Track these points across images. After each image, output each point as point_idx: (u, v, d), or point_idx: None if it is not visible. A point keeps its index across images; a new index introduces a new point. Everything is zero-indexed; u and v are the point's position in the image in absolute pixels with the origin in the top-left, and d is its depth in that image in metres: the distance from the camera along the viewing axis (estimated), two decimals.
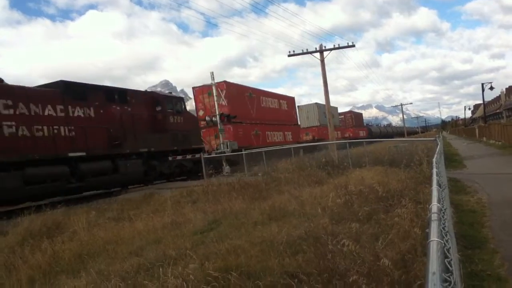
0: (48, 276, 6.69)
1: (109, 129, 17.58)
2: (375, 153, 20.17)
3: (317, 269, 4.91)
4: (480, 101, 61.64)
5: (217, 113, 24.10)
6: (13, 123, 14.03)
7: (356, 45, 28.09)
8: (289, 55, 27.33)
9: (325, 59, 26.69)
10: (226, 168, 22.54)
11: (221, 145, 23.59)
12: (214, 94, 24.44)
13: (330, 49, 26.77)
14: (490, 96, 78.45)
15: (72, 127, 16.02)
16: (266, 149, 23.46)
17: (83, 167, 16.17)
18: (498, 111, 71.11)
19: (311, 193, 10.68)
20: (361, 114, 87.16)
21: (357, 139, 47.17)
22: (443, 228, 1.89)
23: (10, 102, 14.05)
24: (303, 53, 26.96)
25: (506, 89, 74.54)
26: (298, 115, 44.05)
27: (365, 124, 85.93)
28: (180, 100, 23.14)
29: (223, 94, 27.42)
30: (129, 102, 19.25)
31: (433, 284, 1.39)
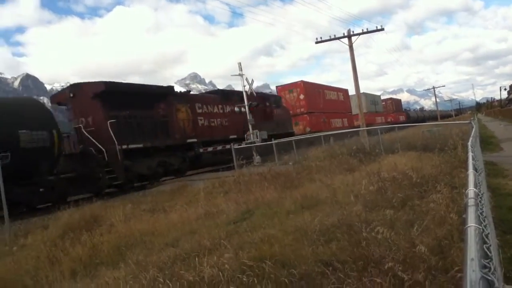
0: (88, 268, 6.92)
1: (234, 123, 25.00)
2: (408, 138, 19.80)
3: (351, 257, 4.89)
4: None
5: (245, 103, 24.11)
6: (202, 118, 22.46)
7: (385, 29, 27.53)
8: (317, 42, 27.04)
9: (353, 44, 26.28)
10: (257, 158, 22.59)
11: (251, 135, 23.63)
12: (243, 84, 24.47)
13: (359, 34, 26.34)
14: None
15: (227, 119, 24.43)
16: (296, 138, 23.46)
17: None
18: None
19: (343, 181, 10.60)
20: (400, 100, 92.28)
21: (398, 123, 53.66)
22: (481, 213, 1.86)
23: (200, 105, 22.53)
24: (330, 39, 26.61)
25: None
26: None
27: (403, 109, 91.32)
28: (279, 98, 31.48)
29: (299, 91, 35.87)
30: (232, 102, 25.56)
31: (472, 270, 1.37)
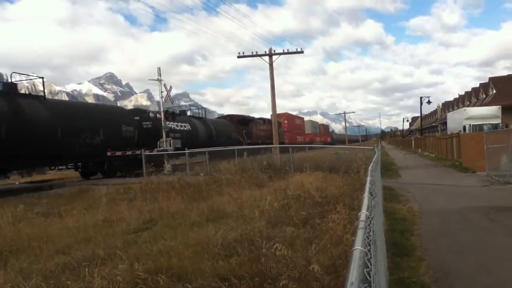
0: None
1: (266, 134, 42.91)
2: (316, 158, 20.53)
3: (249, 273, 4.87)
4: (418, 114, 64.78)
5: (161, 109, 23.60)
6: (258, 131, 44.90)
7: (305, 52, 28.70)
8: (239, 57, 27.33)
9: (274, 63, 26.92)
10: (168, 167, 22.11)
11: (164, 142, 23.10)
12: (161, 90, 23.93)
13: (279, 54, 27.05)
14: (427, 109, 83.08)
15: (264, 132, 44.38)
16: (210, 149, 23.34)
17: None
18: (434, 124, 74.81)
19: (251, 196, 10.68)
20: (328, 126, 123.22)
21: (326, 142, 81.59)
22: (367, 237, 1.89)
23: (257, 125, 46.02)
24: (252, 55, 27.03)
25: (443, 104, 78.81)
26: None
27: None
28: (280, 122, 49.51)
29: (284, 118, 58.28)
30: (266, 123, 46.21)
31: None
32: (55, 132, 17.66)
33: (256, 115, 58.96)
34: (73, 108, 21.90)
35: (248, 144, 34.90)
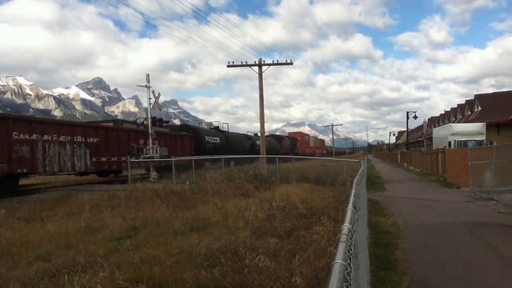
0: None
1: (289, 147, 66.83)
2: (303, 169, 20.56)
3: (232, 284, 4.83)
4: (405, 128, 65.44)
5: (149, 116, 23.50)
6: (285, 145, 66.88)
7: (294, 63, 29.02)
8: (228, 66, 27.35)
9: (263, 74, 27.02)
10: (154, 174, 21.95)
11: (150, 150, 22.96)
12: (149, 97, 23.83)
13: (269, 64, 27.15)
14: (414, 124, 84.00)
15: (288, 146, 67.24)
16: (196, 158, 23.27)
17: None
18: (420, 139, 75.51)
19: (236, 205, 10.62)
20: (324, 140, 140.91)
21: (322, 154, 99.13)
22: (348, 250, 1.88)
23: (284, 140, 68.31)
24: (242, 65, 27.08)
25: (429, 119, 79.73)
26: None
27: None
28: (297, 138, 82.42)
29: (297, 135, 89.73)
30: (289, 139, 72.22)
31: None
32: (233, 145, 40.53)
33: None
34: (234, 135, 46.79)
35: (280, 153, 44.04)
